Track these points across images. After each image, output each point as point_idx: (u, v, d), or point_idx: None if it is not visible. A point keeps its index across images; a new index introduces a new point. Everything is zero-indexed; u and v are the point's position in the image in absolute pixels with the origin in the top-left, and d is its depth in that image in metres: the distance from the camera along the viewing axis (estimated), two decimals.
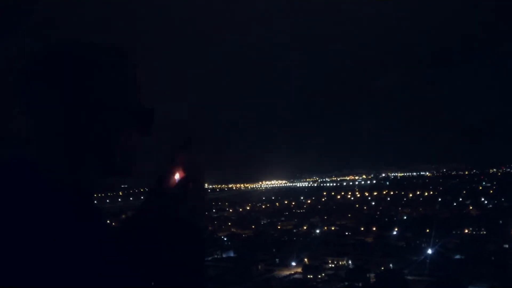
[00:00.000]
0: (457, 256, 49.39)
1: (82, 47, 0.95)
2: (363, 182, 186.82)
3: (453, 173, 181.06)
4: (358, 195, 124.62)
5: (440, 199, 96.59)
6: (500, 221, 62.95)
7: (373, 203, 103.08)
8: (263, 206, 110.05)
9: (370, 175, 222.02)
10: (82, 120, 0.91)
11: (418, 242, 55.69)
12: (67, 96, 0.90)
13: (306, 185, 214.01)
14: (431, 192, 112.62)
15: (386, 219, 75.75)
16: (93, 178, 0.97)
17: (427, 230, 57.84)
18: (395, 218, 76.40)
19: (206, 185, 1.09)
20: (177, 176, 1.10)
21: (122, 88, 0.98)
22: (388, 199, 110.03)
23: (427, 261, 46.23)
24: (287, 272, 50.13)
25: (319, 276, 46.52)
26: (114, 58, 0.98)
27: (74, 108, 0.90)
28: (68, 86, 0.90)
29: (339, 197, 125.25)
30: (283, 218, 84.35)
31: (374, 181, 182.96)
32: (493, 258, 45.73)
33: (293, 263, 51.79)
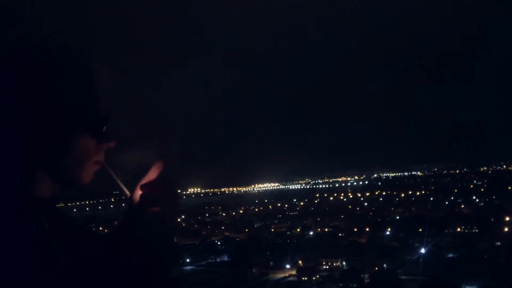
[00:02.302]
0: (450, 255, 49.63)
1: (40, 49, 0.92)
2: (355, 183, 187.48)
3: (444, 172, 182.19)
4: (351, 196, 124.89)
5: (432, 198, 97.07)
6: (492, 219, 63.39)
7: (366, 204, 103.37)
8: (256, 209, 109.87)
9: (362, 176, 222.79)
10: (30, 124, 0.88)
11: (411, 241, 55.90)
12: (18, 99, 0.87)
13: (299, 187, 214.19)
14: (423, 192, 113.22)
15: (379, 220, 75.99)
16: (44, 186, 0.93)
17: (420, 230, 58.06)
18: (387, 218, 76.71)
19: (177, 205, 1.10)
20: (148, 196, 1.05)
21: (75, 92, 0.93)
22: (381, 199, 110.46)
23: (421, 260, 46.45)
24: (281, 275, 50.11)
25: (314, 278, 46.53)
26: (68, 61, 0.94)
27: (24, 112, 0.87)
28: (21, 89, 0.87)
29: (331, 198, 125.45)
30: (276, 221, 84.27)
31: (366, 182, 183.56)
32: (485, 256, 46.00)
33: (288, 266, 51.77)
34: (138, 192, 1.06)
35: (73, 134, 0.93)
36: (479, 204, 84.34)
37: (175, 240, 1.11)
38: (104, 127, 0.99)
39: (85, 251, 0.96)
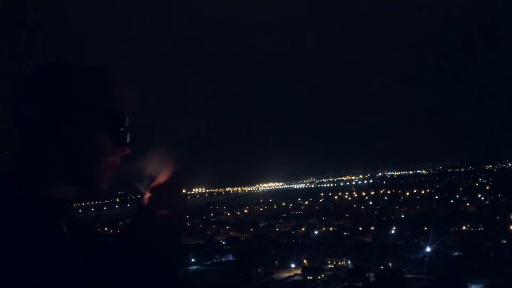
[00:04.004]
0: (456, 253, 49.45)
1: (62, 64, 0.95)
2: (360, 182, 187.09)
3: (449, 171, 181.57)
4: (356, 195, 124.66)
5: (437, 197, 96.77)
6: (497, 217, 63.14)
7: (371, 203, 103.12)
8: (261, 209, 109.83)
9: (366, 174, 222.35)
10: (49, 128, 0.91)
11: (416, 240, 55.75)
12: (40, 106, 0.91)
13: (303, 186, 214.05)
14: (428, 190, 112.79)
15: (384, 218, 75.80)
16: (60, 186, 0.95)
17: (425, 228, 57.91)
18: (392, 217, 76.49)
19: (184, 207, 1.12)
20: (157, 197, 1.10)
21: (91, 94, 0.97)
22: (386, 198, 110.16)
23: (426, 259, 46.28)
24: (286, 274, 50.07)
25: (319, 277, 46.48)
26: (89, 75, 0.97)
27: (45, 117, 0.91)
28: (44, 97, 0.91)
29: (336, 197, 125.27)
30: (281, 220, 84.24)
31: (371, 181, 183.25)
32: (491, 254, 45.83)
33: (293, 265, 51.74)
34: (147, 194, 1.11)
35: (87, 131, 0.95)
36: (485, 202, 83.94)
37: (182, 240, 1.17)
38: (121, 130, 1.02)
39: (93, 252, 0.92)
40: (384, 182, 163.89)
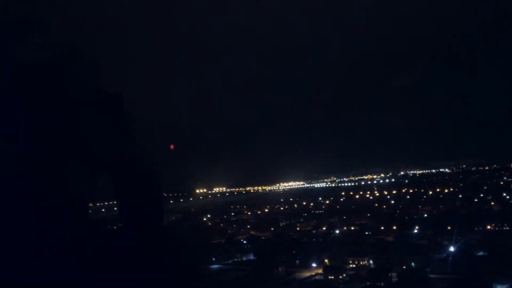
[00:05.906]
0: (480, 253, 48.76)
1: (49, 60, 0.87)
2: (381, 181, 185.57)
3: (473, 169, 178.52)
4: (377, 194, 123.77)
5: (460, 196, 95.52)
6: None
7: (393, 202, 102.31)
8: (282, 208, 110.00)
9: (388, 173, 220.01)
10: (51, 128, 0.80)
11: (439, 239, 55.13)
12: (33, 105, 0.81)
13: (324, 185, 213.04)
14: (451, 189, 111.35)
15: (406, 218, 75.16)
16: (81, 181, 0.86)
17: (449, 227, 57.26)
18: (415, 216, 75.81)
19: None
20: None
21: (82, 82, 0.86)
22: (408, 197, 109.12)
23: (450, 258, 45.75)
24: (307, 274, 50.04)
25: (340, 277, 46.30)
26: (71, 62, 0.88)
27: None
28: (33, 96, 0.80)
29: (357, 196, 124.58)
30: (302, 219, 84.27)
31: (393, 180, 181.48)
32: None
33: (314, 264, 51.68)
34: None
35: (90, 118, 0.86)
36: (510, 201, 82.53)
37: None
38: (116, 106, 0.97)
39: (109, 251, 0.88)
40: (406, 181, 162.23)
